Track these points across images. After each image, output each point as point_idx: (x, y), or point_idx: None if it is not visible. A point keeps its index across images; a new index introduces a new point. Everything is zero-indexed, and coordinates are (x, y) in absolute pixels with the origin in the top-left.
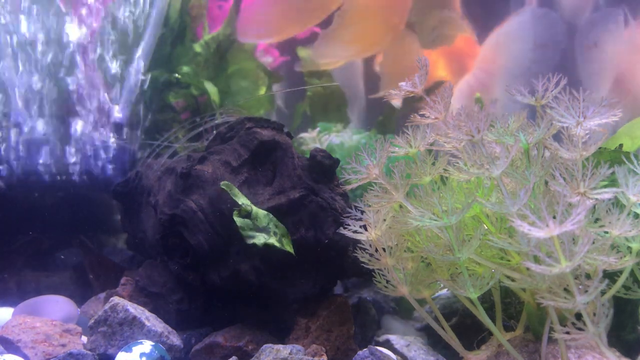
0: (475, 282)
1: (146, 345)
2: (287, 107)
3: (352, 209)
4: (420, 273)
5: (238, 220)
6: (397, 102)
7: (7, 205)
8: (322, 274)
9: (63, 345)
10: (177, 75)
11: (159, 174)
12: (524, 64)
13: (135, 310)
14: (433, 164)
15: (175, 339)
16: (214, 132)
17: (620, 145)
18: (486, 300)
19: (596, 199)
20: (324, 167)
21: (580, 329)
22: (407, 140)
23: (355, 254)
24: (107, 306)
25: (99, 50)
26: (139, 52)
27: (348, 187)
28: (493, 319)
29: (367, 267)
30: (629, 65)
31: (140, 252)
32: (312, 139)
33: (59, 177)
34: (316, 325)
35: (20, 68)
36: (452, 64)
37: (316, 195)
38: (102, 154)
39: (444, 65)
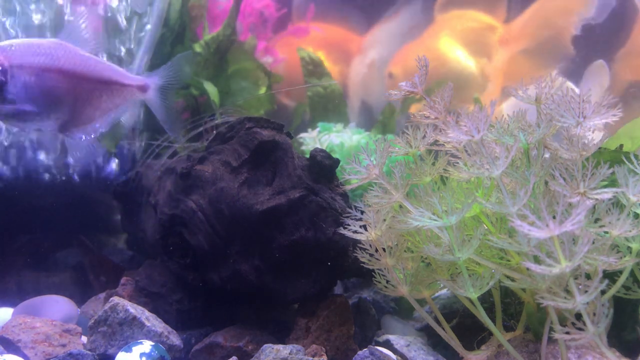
0: (475, 282)
1: (146, 345)
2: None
3: (352, 209)
4: (420, 273)
5: None
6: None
7: (7, 205)
8: (322, 274)
9: (63, 345)
10: None
11: (159, 174)
12: None
13: (135, 310)
14: (433, 164)
15: (175, 339)
16: (214, 132)
17: (621, 146)
18: (486, 300)
19: (596, 199)
20: (324, 167)
21: (580, 329)
22: (407, 140)
23: (355, 254)
24: (107, 306)
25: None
26: (139, 52)
27: (348, 187)
28: (493, 319)
29: (367, 267)
30: None
31: (140, 252)
32: (312, 139)
33: (59, 177)
34: (316, 325)
35: None
36: (333, 53)
37: (316, 195)
38: (102, 154)
39: (325, 55)
